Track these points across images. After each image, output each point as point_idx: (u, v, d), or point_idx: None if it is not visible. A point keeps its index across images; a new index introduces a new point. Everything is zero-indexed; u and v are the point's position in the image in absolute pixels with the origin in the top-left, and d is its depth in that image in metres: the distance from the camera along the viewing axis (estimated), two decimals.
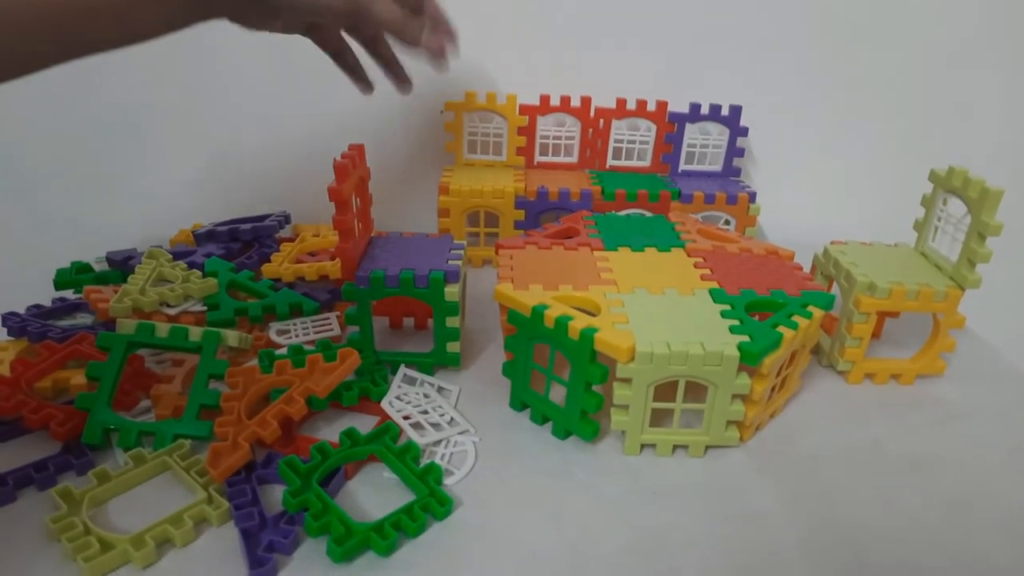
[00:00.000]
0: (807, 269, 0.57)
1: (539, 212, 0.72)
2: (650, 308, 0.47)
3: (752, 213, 0.72)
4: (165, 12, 0.40)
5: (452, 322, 0.51)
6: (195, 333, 0.46)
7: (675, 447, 0.46)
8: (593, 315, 0.45)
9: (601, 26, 0.78)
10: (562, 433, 0.47)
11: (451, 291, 0.50)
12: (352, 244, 0.49)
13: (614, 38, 0.78)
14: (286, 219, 0.72)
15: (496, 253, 0.55)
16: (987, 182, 0.49)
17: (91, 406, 0.43)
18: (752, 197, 0.72)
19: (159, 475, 0.42)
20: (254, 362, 0.49)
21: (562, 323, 0.43)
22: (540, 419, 0.48)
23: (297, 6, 0.43)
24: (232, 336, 0.48)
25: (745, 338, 0.43)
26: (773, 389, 0.47)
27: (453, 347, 0.52)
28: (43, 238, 0.86)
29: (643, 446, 0.46)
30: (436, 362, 0.53)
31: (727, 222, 0.73)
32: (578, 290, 0.48)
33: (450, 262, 0.51)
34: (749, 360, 0.42)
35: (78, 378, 0.48)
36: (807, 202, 0.87)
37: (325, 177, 0.47)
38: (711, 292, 0.49)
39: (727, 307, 0.47)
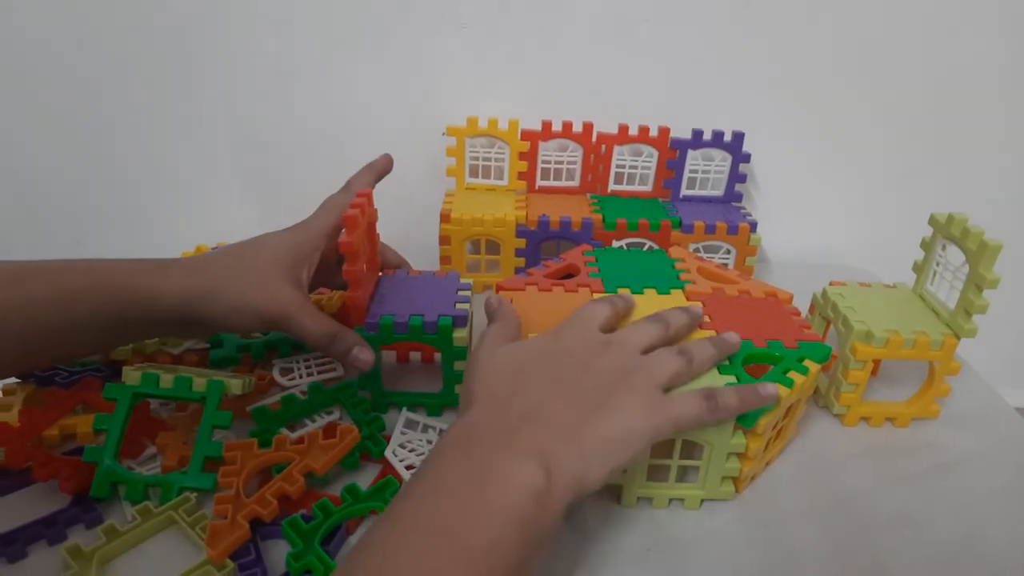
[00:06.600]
0: (806, 288, 0.60)
1: (540, 240, 0.72)
2: None
3: (753, 243, 0.72)
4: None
5: (460, 366, 0.51)
6: (199, 384, 0.47)
7: (671, 500, 0.46)
8: None
9: (603, 52, 0.77)
10: None
11: (459, 336, 0.50)
12: (362, 292, 0.50)
13: (616, 64, 0.78)
14: None
15: (496, 294, 0.56)
16: (985, 234, 0.50)
17: (98, 459, 0.44)
18: (753, 227, 0.72)
19: (166, 529, 0.43)
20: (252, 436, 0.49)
21: None
22: None
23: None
24: (235, 385, 0.48)
25: None
26: (768, 442, 0.48)
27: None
28: None
29: (639, 498, 0.46)
30: (444, 403, 0.53)
31: (728, 252, 0.73)
32: None
33: (458, 305, 0.52)
34: (744, 422, 0.42)
35: (84, 425, 0.48)
36: (809, 224, 0.87)
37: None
38: None
39: (724, 361, 0.47)
